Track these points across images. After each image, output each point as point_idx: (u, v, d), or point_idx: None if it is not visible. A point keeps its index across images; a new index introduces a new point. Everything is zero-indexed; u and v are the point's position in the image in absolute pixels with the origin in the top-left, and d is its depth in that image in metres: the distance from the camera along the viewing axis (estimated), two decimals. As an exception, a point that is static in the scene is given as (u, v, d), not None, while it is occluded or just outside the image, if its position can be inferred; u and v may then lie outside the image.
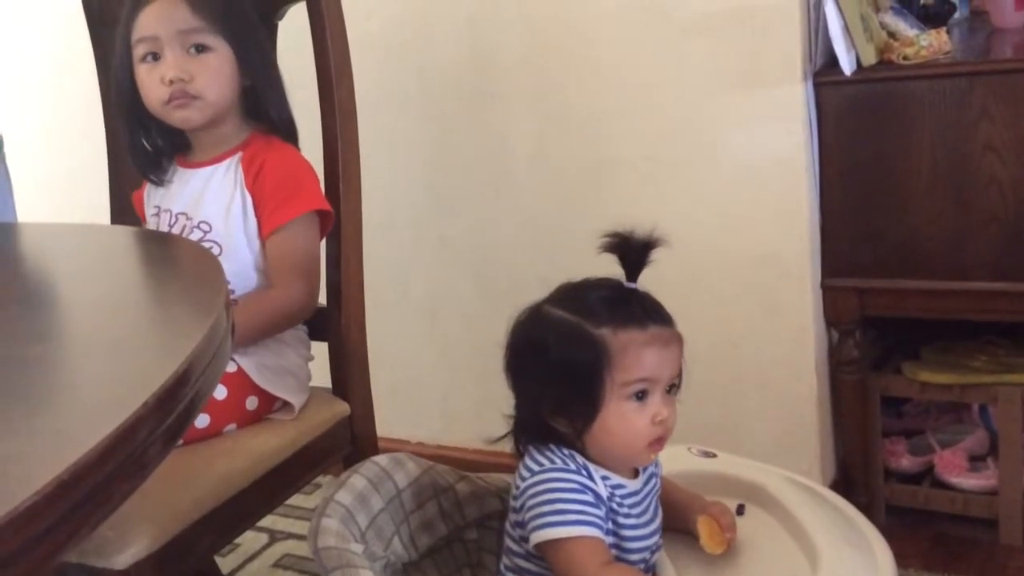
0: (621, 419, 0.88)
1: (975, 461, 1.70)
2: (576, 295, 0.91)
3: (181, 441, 1.15)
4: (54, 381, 0.61)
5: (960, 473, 1.68)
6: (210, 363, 0.61)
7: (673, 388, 0.91)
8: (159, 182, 1.32)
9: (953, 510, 1.65)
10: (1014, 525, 1.59)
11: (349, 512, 0.92)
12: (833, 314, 1.62)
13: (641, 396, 0.88)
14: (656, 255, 0.89)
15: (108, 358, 0.64)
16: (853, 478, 1.70)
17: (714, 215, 1.65)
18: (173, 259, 0.94)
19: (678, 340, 0.91)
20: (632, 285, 0.90)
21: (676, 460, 1.08)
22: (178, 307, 0.74)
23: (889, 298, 1.58)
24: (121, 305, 0.75)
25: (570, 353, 0.88)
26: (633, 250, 0.89)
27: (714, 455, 1.14)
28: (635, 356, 0.87)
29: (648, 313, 0.89)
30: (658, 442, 0.90)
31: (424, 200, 1.91)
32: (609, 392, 0.87)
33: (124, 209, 1.43)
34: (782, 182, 1.58)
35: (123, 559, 0.99)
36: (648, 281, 0.93)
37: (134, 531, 1.00)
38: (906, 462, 1.74)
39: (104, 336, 0.68)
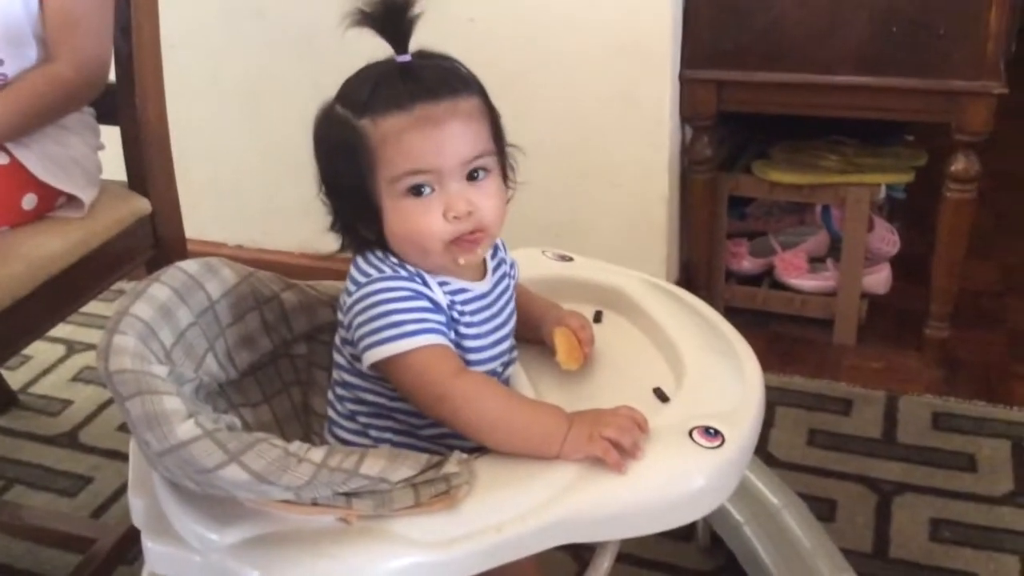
0: (403, 220, 0.75)
1: (814, 263, 1.71)
2: (352, 81, 0.76)
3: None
4: None
5: (799, 274, 1.68)
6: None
7: (481, 172, 0.76)
8: None
9: (790, 311, 1.67)
10: (849, 325, 1.62)
11: (149, 327, 0.77)
12: (690, 108, 1.53)
13: (418, 191, 0.74)
14: (419, 15, 0.73)
15: None
16: (695, 279, 1.67)
17: (570, -4, 1.49)
18: None
19: (465, 115, 0.74)
20: (404, 58, 0.74)
21: (530, 264, 0.99)
22: None
23: (748, 92, 1.50)
24: None
25: (336, 151, 0.75)
26: (390, 16, 0.73)
27: (570, 259, 1.04)
28: (396, 146, 0.73)
29: (418, 91, 0.73)
30: (466, 239, 0.76)
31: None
32: (380, 191, 0.74)
33: None
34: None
35: None
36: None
37: None
38: (747, 264, 1.74)
39: None
